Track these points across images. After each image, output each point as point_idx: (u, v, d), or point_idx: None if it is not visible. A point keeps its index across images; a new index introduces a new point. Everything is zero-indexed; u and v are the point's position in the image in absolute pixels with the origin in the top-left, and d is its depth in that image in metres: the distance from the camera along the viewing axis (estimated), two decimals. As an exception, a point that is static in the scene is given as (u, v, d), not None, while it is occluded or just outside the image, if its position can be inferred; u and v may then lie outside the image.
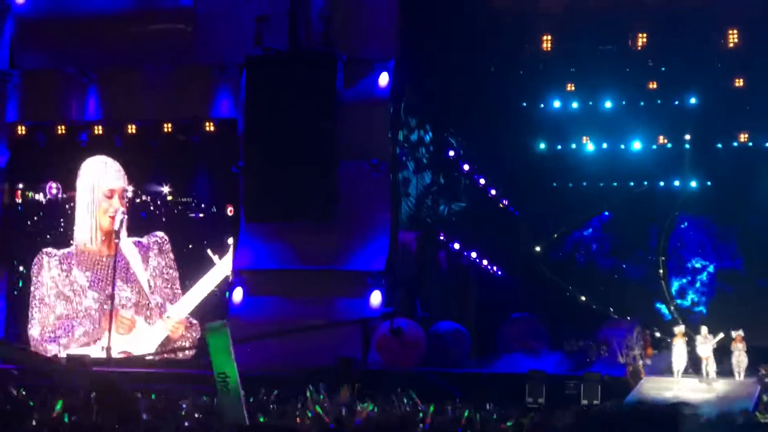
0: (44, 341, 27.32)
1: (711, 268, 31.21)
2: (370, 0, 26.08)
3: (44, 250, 27.71)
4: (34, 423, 12.60)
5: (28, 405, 14.94)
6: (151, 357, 26.42)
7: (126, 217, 27.03)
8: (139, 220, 27.41)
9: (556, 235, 32.38)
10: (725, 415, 13.29)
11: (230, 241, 26.69)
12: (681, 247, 31.42)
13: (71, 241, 27.66)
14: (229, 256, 26.66)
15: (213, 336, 6.58)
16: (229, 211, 27.15)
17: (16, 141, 28.03)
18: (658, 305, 30.83)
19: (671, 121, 29.20)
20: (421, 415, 14.12)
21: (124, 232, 27.05)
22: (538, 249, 31.39)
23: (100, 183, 27.54)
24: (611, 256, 32.32)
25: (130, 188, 27.52)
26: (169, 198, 27.57)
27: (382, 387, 18.22)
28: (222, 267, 26.74)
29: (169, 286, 27.22)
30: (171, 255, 27.24)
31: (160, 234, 27.35)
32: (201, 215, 27.43)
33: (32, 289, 27.65)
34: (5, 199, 28.18)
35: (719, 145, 29.54)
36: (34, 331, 27.44)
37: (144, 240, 27.36)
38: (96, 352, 26.02)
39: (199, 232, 27.25)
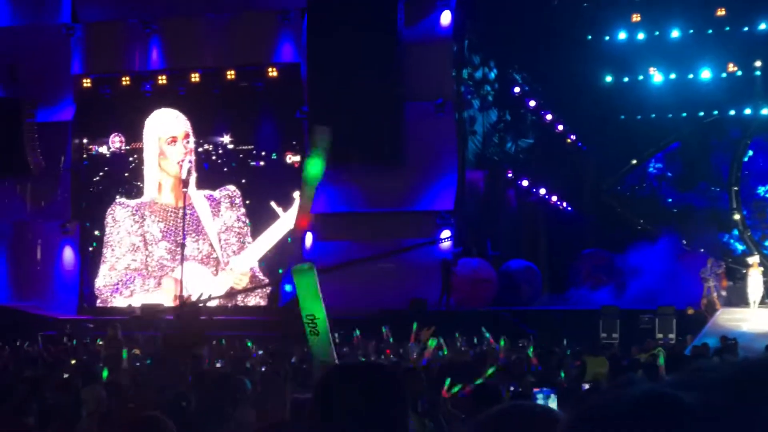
0: (109, 292, 27.68)
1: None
2: (430, -62, 25.84)
3: (117, 200, 27.97)
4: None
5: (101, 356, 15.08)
6: (217, 303, 26.39)
7: (192, 164, 27.13)
8: (202, 172, 27.46)
9: (624, 169, 31.98)
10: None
11: (296, 194, 26.66)
12: (748, 176, 30.87)
13: (141, 193, 27.88)
14: (294, 208, 26.63)
15: (300, 278, 6.46)
16: (289, 158, 27.14)
17: (81, 94, 28.21)
18: (727, 237, 30.40)
19: (741, 48, 28.59)
20: (493, 353, 14.01)
21: (192, 181, 27.12)
22: (605, 186, 31.04)
23: (162, 132, 27.69)
24: (677, 187, 31.89)
25: (193, 138, 27.63)
26: (230, 147, 27.62)
27: (455, 326, 18.22)
28: (286, 219, 26.73)
29: (239, 239, 27.32)
30: (243, 209, 27.31)
31: (232, 188, 27.42)
32: (262, 163, 27.43)
33: (105, 239, 27.96)
34: (73, 154, 28.38)
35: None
36: (99, 281, 27.86)
37: (216, 194, 27.46)
38: (164, 302, 26.14)
39: (262, 181, 27.23)
